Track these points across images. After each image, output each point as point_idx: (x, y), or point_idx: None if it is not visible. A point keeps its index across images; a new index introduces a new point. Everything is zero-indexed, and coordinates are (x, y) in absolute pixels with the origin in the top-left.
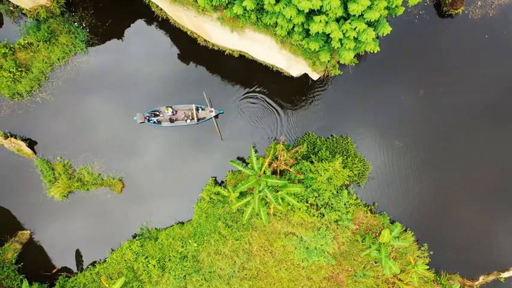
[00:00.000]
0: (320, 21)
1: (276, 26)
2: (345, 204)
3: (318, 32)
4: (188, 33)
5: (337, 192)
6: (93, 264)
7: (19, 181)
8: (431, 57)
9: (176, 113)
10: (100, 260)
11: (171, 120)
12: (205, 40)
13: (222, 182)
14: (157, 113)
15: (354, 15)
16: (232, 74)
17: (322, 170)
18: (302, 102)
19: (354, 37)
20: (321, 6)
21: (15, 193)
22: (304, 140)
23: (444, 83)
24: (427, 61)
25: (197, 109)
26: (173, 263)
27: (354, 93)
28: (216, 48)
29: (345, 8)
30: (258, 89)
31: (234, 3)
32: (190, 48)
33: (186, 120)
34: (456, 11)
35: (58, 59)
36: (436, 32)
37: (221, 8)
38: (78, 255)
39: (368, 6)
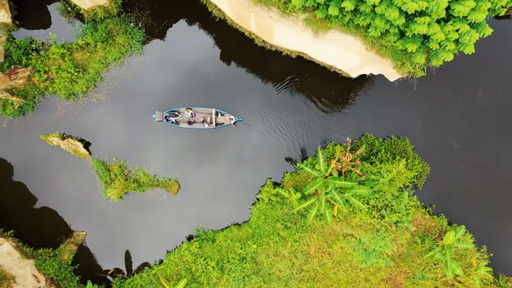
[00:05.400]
0: (423, 22)
1: (368, 27)
2: (405, 206)
3: (414, 34)
4: (246, 34)
5: (398, 194)
6: (149, 265)
7: (75, 182)
8: (489, 58)
9: (195, 115)
10: (155, 261)
11: (189, 123)
12: (263, 41)
13: (276, 183)
14: (177, 113)
15: (457, 17)
16: (285, 73)
17: (384, 172)
18: (357, 102)
19: (455, 39)
20: (426, 8)
21: (70, 194)
22: (362, 142)
23: (502, 84)
24: (484, 61)
25: (216, 114)
26: (232, 264)
27: (408, 94)
28: (273, 49)
29: (445, 9)
30: (312, 89)
31: (329, 4)
32: (245, 48)
33: (203, 124)
34: None
35: (114, 60)
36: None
37: (310, 9)
38: (133, 257)
39: (472, 8)
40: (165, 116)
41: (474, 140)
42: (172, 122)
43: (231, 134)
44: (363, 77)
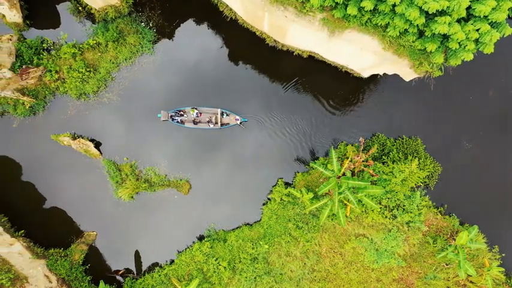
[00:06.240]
0: (444, 22)
1: (386, 27)
2: (417, 206)
3: (434, 33)
4: (257, 33)
5: (410, 193)
6: (160, 265)
7: (85, 182)
8: (500, 58)
9: (200, 115)
10: (166, 261)
11: (195, 122)
12: (275, 41)
13: (287, 183)
14: (182, 113)
15: (477, 16)
16: (296, 73)
17: (397, 172)
18: (368, 102)
19: (475, 39)
20: (447, 7)
21: (81, 194)
22: (374, 142)
23: None
24: (496, 61)
25: (222, 114)
26: (244, 264)
27: (419, 94)
28: (284, 49)
29: (466, 8)
30: (322, 89)
31: (347, 4)
32: (256, 48)
33: (209, 124)
34: None
35: (125, 59)
36: None
37: (327, 8)
38: (144, 257)
39: (492, 8)
40: (171, 116)
41: (485, 140)
42: (177, 122)
43: (240, 134)
44: (374, 76)
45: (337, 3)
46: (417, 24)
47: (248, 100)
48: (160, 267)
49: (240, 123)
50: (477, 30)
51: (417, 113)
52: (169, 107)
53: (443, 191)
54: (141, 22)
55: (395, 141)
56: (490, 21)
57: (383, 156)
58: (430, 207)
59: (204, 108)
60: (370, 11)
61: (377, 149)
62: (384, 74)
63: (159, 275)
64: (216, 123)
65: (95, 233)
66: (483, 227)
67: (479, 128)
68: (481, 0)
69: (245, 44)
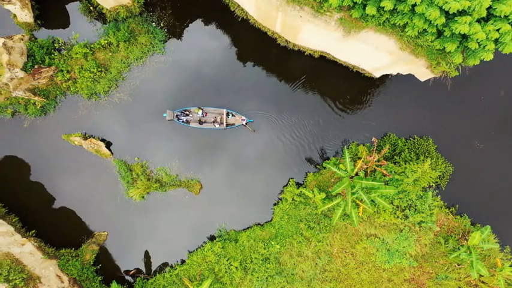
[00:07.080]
0: (465, 22)
1: (405, 27)
2: (429, 206)
3: (453, 33)
4: (268, 33)
5: (422, 193)
6: (171, 266)
7: (97, 182)
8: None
9: (206, 115)
10: (177, 261)
11: (200, 122)
12: (286, 41)
13: (298, 183)
14: (187, 112)
15: (498, 16)
16: (306, 74)
17: (409, 172)
18: (379, 102)
19: (495, 39)
20: (468, 7)
21: (92, 194)
22: (385, 142)
23: None
24: (508, 62)
25: (227, 114)
26: (255, 264)
27: (430, 94)
28: (296, 49)
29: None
30: (333, 90)
31: (366, 4)
32: (267, 48)
33: (214, 124)
34: None
35: (136, 59)
36: None
37: (345, 8)
38: (155, 257)
39: None
40: (176, 115)
41: (497, 140)
42: (183, 122)
43: (249, 135)
44: (385, 77)
45: (355, 3)
46: (436, 24)
47: (257, 100)
48: (172, 267)
49: (246, 123)
50: (497, 30)
51: (428, 112)
52: (178, 107)
53: (454, 191)
54: (152, 22)
55: (406, 141)
56: (510, 21)
57: (395, 156)
58: (441, 207)
59: (210, 108)
60: (389, 10)
61: (388, 149)
62: (398, 74)
63: (171, 275)
64: (222, 123)
65: (105, 233)
66: (494, 227)
67: (491, 128)
68: (502, 0)
69: (255, 44)
